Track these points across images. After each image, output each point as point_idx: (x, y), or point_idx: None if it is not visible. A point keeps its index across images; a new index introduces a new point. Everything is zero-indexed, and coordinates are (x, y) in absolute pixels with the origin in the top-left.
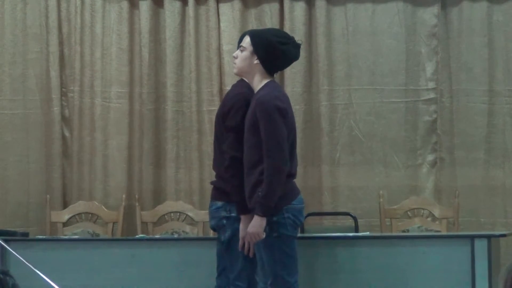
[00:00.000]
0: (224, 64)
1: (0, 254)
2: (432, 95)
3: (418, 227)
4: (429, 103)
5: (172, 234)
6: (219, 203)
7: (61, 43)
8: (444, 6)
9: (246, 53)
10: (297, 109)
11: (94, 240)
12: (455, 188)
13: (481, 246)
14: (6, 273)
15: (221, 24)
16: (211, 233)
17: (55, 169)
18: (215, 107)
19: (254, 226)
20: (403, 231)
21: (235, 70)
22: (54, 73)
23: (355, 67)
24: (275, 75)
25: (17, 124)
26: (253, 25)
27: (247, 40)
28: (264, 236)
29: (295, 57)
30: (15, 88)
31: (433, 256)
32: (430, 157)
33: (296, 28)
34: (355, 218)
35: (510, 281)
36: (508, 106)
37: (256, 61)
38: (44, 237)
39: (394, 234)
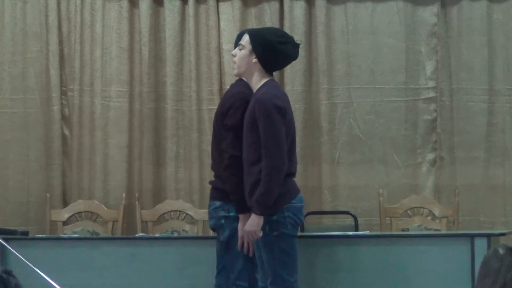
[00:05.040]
0: (224, 63)
1: (0, 252)
2: (432, 94)
3: (418, 226)
4: (429, 102)
5: (172, 233)
6: (218, 203)
7: (61, 42)
8: (444, 5)
9: (244, 52)
10: (297, 108)
11: (94, 239)
12: (455, 187)
13: (480, 245)
14: (9, 273)
15: (221, 23)
16: (211, 232)
17: (55, 168)
18: (215, 106)
19: (251, 225)
20: (403, 230)
21: (235, 71)
22: (54, 72)
23: (355, 66)
24: (274, 74)
25: (17, 122)
26: (253, 24)
27: (246, 38)
28: (261, 234)
29: (294, 56)
30: (15, 87)
31: (433, 255)
32: (430, 156)
33: (295, 27)
34: (355, 217)
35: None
36: (508, 105)
37: (254, 60)
38: (44, 236)
39: (394, 233)
